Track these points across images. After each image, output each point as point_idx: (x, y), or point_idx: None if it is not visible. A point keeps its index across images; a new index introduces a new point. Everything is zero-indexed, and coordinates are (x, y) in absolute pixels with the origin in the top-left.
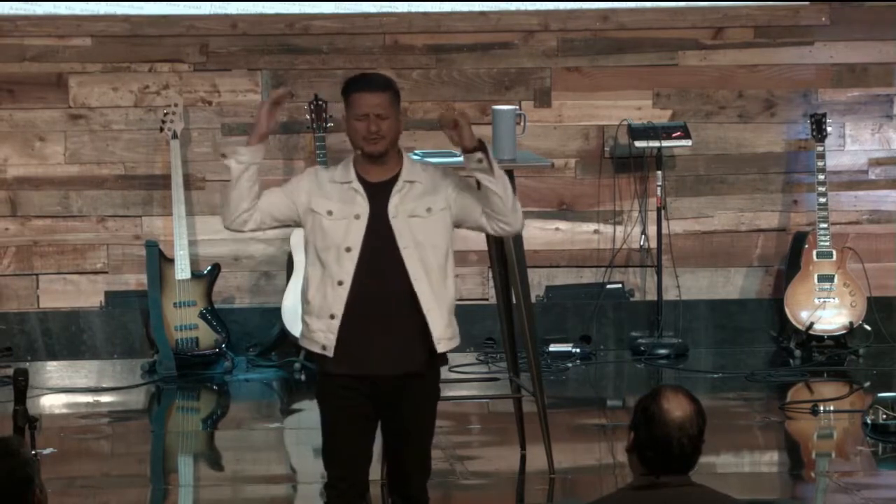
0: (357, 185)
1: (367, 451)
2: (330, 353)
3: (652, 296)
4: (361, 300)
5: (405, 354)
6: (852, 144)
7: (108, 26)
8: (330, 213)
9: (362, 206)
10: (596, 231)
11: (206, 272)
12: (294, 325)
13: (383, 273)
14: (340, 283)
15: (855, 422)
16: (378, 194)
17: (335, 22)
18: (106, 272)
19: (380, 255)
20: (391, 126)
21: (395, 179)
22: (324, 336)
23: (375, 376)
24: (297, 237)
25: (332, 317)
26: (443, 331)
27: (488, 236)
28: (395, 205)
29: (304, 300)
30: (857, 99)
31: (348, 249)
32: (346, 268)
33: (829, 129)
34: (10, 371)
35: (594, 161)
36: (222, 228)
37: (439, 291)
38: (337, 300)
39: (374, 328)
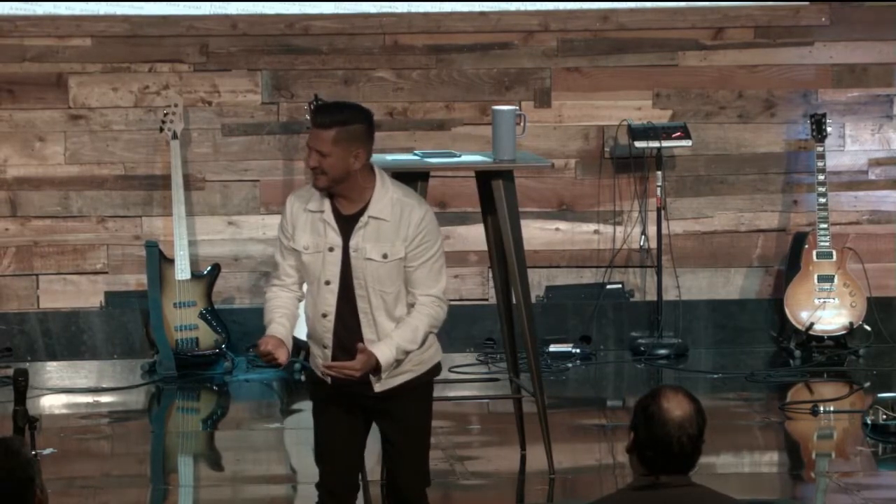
0: (329, 217)
1: (356, 452)
2: (328, 380)
3: (652, 296)
4: (344, 331)
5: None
6: (852, 145)
7: (109, 26)
8: (306, 247)
9: (334, 238)
10: (596, 231)
11: (206, 272)
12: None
13: (348, 307)
14: (325, 316)
15: (855, 422)
16: (347, 227)
17: (335, 22)
18: (106, 272)
19: (348, 290)
20: (333, 163)
21: (361, 213)
22: (318, 360)
23: (365, 396)
24: None
25: (324, 347)
26: (386, 365)
27: (488, 236)
28: (355, 242)
29: (307, 325)
30: (856, 99)
31: (328, 283)
32: (328, 300)
33: (828, 129)
34: (10, 371)
35: (594, 161)
36: (222, 228)
37: (383, 329)
38: (325, 331)
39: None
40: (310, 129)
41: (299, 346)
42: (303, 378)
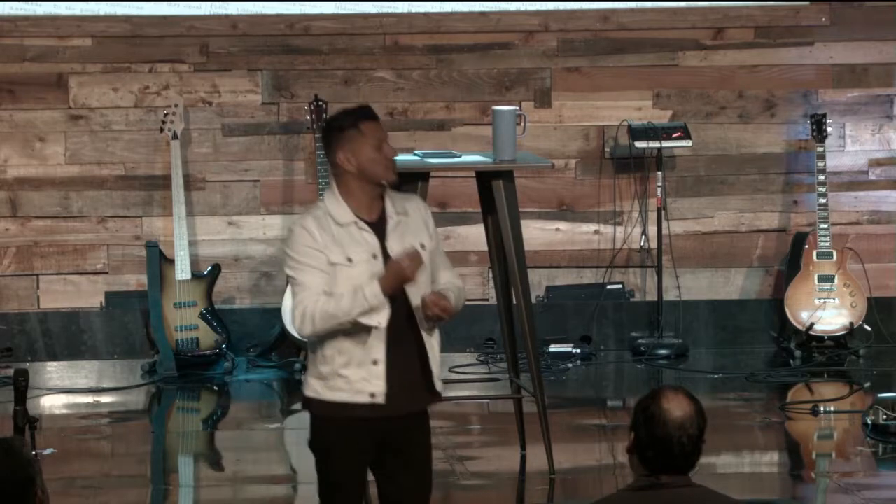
0: (362, 224)
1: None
2: (381, 399)
3: (652, 296)
4: (396, 341)
5: (422, 392)
6: (852, 145)
7: (109, 27)
8: (350, 259)
9: (373, 244)
10: (596, 231)
11: (206, 273)
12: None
13: (402, 313)
14: (377, 327)
15: (855, 422)
16: (378, 231)
17: (335, 22)
18: (106, 273)
19: (398, 295)
20: None
21: (384, 214)
22: (368, 384)
23: (395, 417)
24: None
25: (374, 363)
26: (439, 370)
27: (488, 236)
28: (392, 243)
29: (326, 353)
30: (857, 99)
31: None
32: (381, 311)
33: (829, 129)
34: (10, 371)
35: (594, 161)
36: (222, 228)
37: (433, 330)
38: (377, 342)
39: (407, 368)
40: (365, 123)
41: (299, 346)
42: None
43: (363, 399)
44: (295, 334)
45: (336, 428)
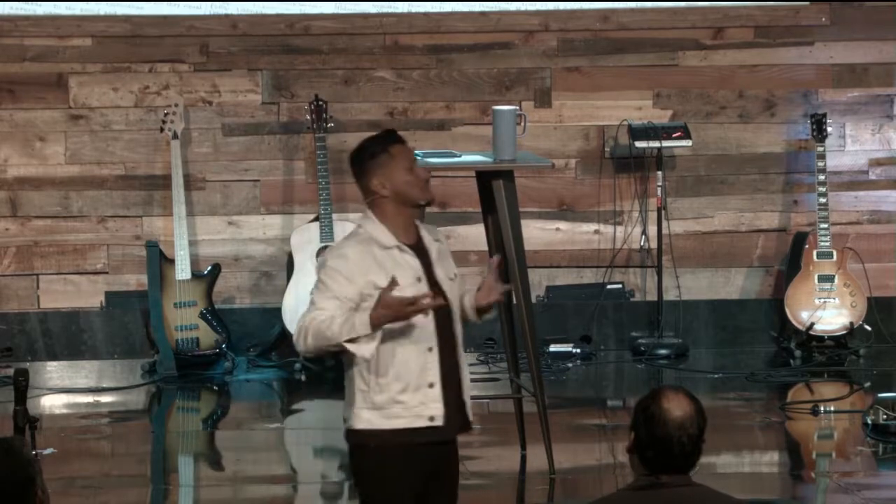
0: (404, 248)
1: None
2: (440, 421)
3: (652, 296)
4: (446, 363)
5: (463, 416)
6: (852, 145)
7: (109, 26)
8: (398, 285)
9: (416, 267)
10: (596, 231)
11: (206, 272)
12: (294, 326)
13: (446, 336)
14: (430, 350)
15: (855, 422)
16: (419, 255)
17: (335, 22)
18: (106, 272)
19: (444, 318)
20: None
21: (420, 239)
22: (427, 407)
23: (447, 441)
24: (297, 237)
25: (430, 385)
26: (470, 400)
27: (488, 236)
28: (437, 265)
29: (381, 381)
30: (857, 99)
31: (426, 314)
32: (429, 332)
33: (829, 129)
34: (10, 371)
35: (594, 161)
36: (222, 228)
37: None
38: (431, 366)
39: (455, 392)
40: (395, 147)
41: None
42: (303, 378)
43: (422, 423)
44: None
45: (395, 457)
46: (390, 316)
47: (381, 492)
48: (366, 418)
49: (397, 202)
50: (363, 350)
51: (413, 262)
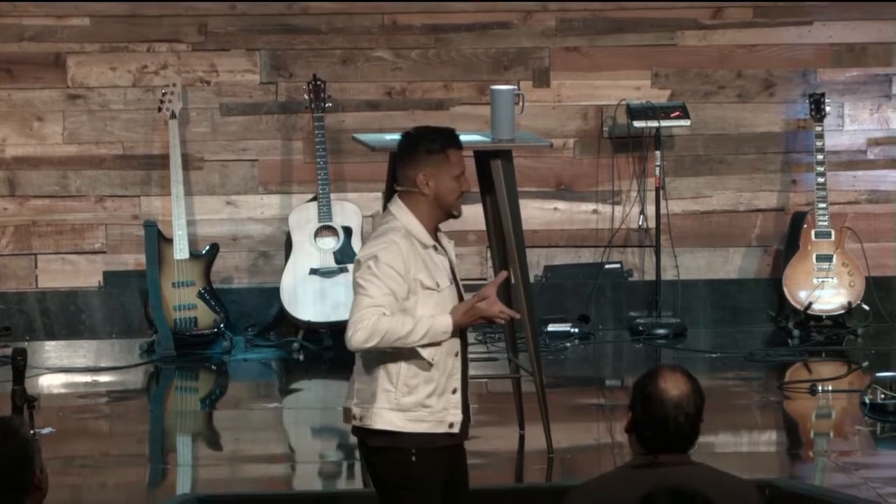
0: (439, 247)
1: None
2: (457, 428)
3: (650, 276)
4: (465, 369)
5: (469, 420)
6: (851, 124)
7: (107, 6)
8: (438, 285)
9: (447, 269)
10: (594, 211)
11: (204, 252)
12: (292, 305)
13: (464, 341)
14: (456, 355)
15: (853, 401)
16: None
17: (333, 2)
18: (104, 252)
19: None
20: None
21: (438, 240)
22: (448, 413)
23: (460, 445)
24: (295, 217)
25: (454, 391)
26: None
27: (486, 216)
28: (455, 267)
29: (411, 383)
30: (855, 79)
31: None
32: (457, 338)
33: (827, 108)
34: (8, 351)
35: (593, 141)
36: (220, 208)
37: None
38: (455, 371)
39: (465, 396)
40: (452, 150)
41: (297, 326)
42: (301, 358)
43: (442, 429)
44: (294, 314)
45: (422, 459)
46: (471, 322)
47: (415, 491)
48: (388, 419)
49: (434, 204)
50: (432, 354)
51: (445, 263)
